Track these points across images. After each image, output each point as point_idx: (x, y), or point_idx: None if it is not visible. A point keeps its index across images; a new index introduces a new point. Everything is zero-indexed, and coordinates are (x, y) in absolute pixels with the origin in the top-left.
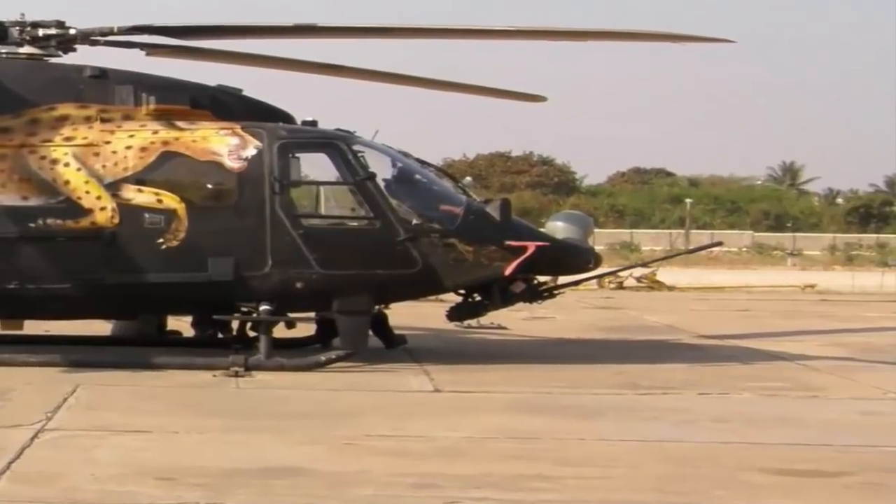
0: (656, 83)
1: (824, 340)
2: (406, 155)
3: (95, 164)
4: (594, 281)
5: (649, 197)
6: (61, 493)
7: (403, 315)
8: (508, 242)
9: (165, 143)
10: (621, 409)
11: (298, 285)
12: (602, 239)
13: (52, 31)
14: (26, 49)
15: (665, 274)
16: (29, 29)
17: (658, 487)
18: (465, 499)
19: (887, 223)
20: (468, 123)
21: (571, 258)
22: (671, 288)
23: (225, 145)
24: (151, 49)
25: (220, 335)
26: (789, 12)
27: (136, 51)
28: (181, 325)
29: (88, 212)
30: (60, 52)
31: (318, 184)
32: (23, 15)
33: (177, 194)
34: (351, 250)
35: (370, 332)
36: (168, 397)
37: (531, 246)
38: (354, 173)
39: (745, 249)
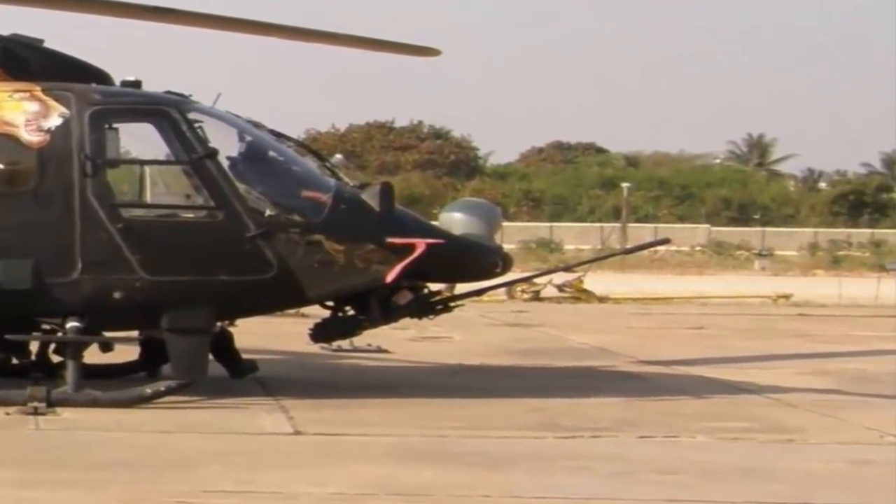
0: (583, 35)
1: (803, 367)
2: (257, 126)
3: None
4: (503, 290)
5: (574, 180)
6: None
7: (254, 334)
8: (390, 240)
9: None
10: (538, 457)
11: (117, 296)
12: (513, 235)
13: None
14: None
15: (595, 281)
16: None
17: None
18: None
19: (885, 214)
20: (338, 85)
21: (473, 260)
22: (603, 299)
23: (20, 112)
24: None
25: (13, 361)
26: None
27: None
28: None
29: None
30: None
31: (143, 163)
32: None
33: None
34: (185, 250)
35: (211, 357)
36: None
37: (420, 244)
38: (190, 149)
39: (699, 249)
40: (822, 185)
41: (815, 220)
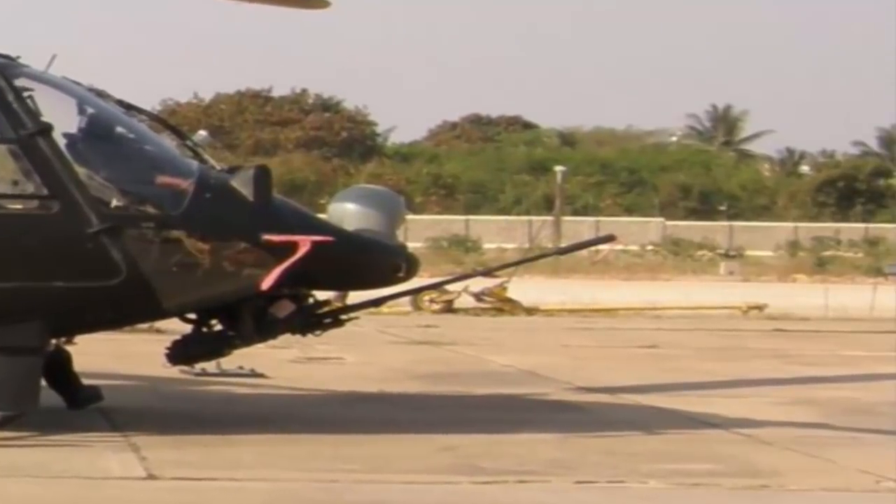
0: None
1: (781, 395)
2: (101, 95)
3: None
4: (407, 299)
5: (496, 163)
6: None
7: (98, 355)
8: (267, 237)
9: None
10: None
11: None
12: (420, 231)
13: None
14: None
15: (522, 288)
16: None
17: None
18: None
19: (882, 205)
20: (202, 46)
21: (369, 262)
22: (531, 310)
23: None
24: None
25: None
26: None
27: None
28: None
29: None
30: None
31: None
32: None
33: None
34: (11, 250)
35: (43, 383)
36: None
37: (304, 242)
38: (17, 124)
39: (651, 248)
40: (805, 168)
41: (796, 212)
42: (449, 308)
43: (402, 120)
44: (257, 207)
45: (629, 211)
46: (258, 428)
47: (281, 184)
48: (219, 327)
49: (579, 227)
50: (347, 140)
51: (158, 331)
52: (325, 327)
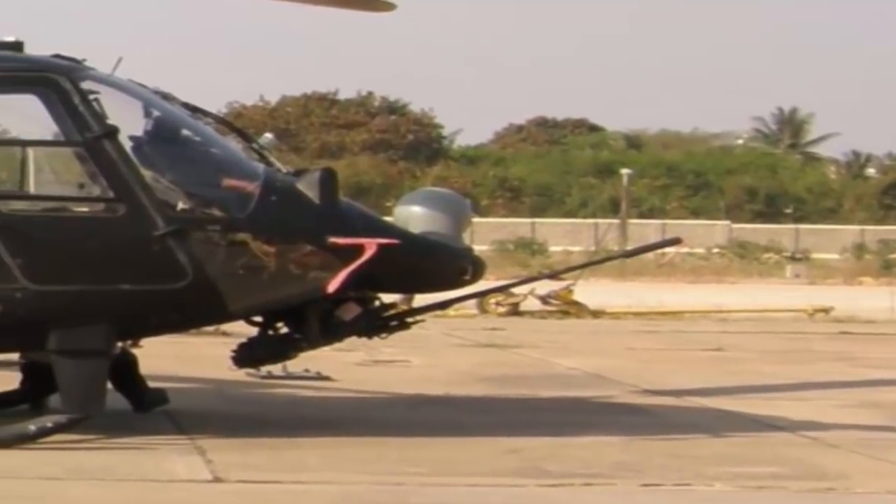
0: None
1: (846, 398)
2: (167, 98)
3: None
4: (473, 302)
5: (562, 166)
6: None
7: (164, 358)
8: (333, 240)
9: None
10: None
11: None
12: (486, 234)
13: None
14: None
15: (588, 291)
16: None
17: None
18: None
19: None
20: (268, 49)
21: (435, 265)
22: (597, 313)
23: None
24: None
25: None
26: None
27: None
28: None
29: None
30: None
31: (26, 144)
32: None
33: None
34: (78, 253)
35: (110, 386)
36: None
37: (370, 245)
38: (84, 127)
39: (717, 251)
40: (871, 171)
41: (862, 215)
42: (515, 311)
43: (469, 123)
44: (323, 210)
45: (695, 214)
46: (324, 431)
47: (347, 186)
48: (285, 330)
49: (645, 229)
50: (413, 143)
51: (224, 333)
52: (391, 330)
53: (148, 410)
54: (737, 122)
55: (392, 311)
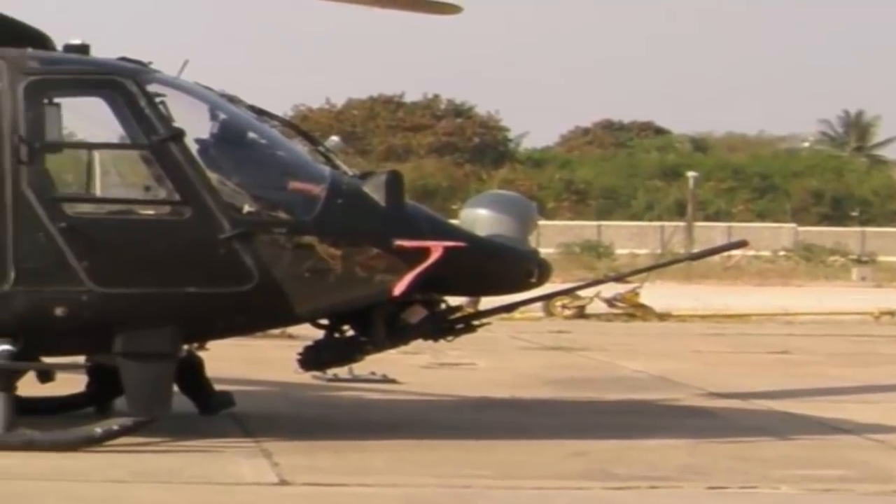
0: None
1: None
2: (233, 101)
3: None
4: (539, 305)
5: (628, 168)
6: None
7: (230, 360)
8: (399, 242)
9: None
10: None
11: (58, 312)
12: (552, 236)
13: None
14: None
15: (654, 294)
16: None
17: None
18: None
19: None
20: (334, 52)
21: (502, 268)
22: (663, 316)
23: None
24: None
25: None
26: None
27: None
28: None
29: None
30: None
31: (92, 147)
32: None
33: None
34: (144, 255)
35: (176, 389)
36: None
37: (436, 248)
38: (150, 130)
39: (783, 253)
40: None
41: None
42: (581, 314)
43: (535, 125)
44: (389, 213)
45: (761, 216)
46: (390, 433)
47: (413, 189)
48: (351, 333)
49: (711, 232)
50: (479, 146)
51: (290, 336)
52: (457, 333)
53: (214, 413)
54: (803, 124)
55: (458, 314)
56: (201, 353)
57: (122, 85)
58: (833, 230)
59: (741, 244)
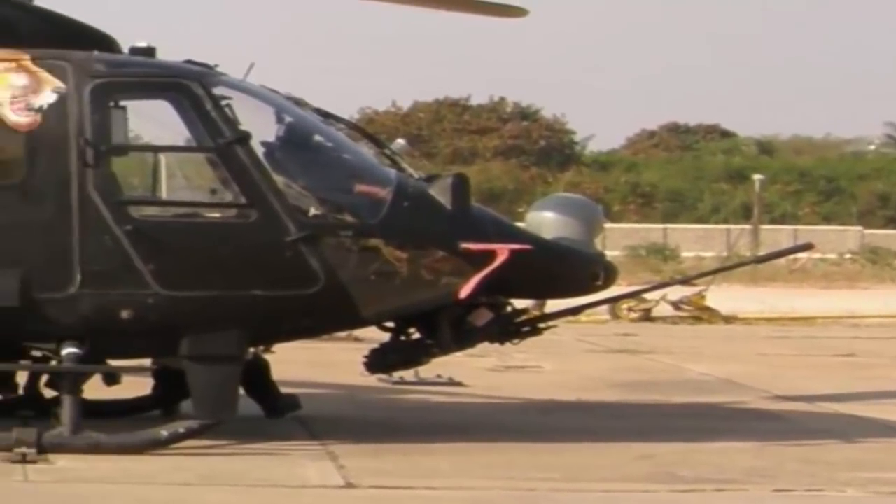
0: None
1: None
2: (299, 104)
3: None
4: (605, 308)
5: (694, 171)
6: None
7: (296, 363)
8: (465, 245)
9: None
10: None
11: (124, 315)
12: (618, 239)
13: None
14: None
15: (720, 297)
16: None
17: None
18: None
19: None
20: (400, 54)
21: (568, 270)
22: (729, 319)
23: (5, 88)
24: None
25: None
26: None
27: None
28: None
29: None
30: None
31: (158, 150)
32: None
33: None
34: (210, 258)
35: (242, 392)
36: None
37: (502, 251)
38: (216, 133)
39: (850, 256)
40: None
41: None
42: (647, 316)
43: (601, 128)
44: (455, 216)
45: (827, 219)
46: (455, 436)
47: (479, 192)
48: (417, 336)
49: (777, 235)
50: (545, 148)
51: (356, 339)
52: (523, 336)
53: (280, 416)
54: (869, 127)
55: (524, 317)
56: (267, 356)
57: (188, 88)
58: None
59: (807, 247)
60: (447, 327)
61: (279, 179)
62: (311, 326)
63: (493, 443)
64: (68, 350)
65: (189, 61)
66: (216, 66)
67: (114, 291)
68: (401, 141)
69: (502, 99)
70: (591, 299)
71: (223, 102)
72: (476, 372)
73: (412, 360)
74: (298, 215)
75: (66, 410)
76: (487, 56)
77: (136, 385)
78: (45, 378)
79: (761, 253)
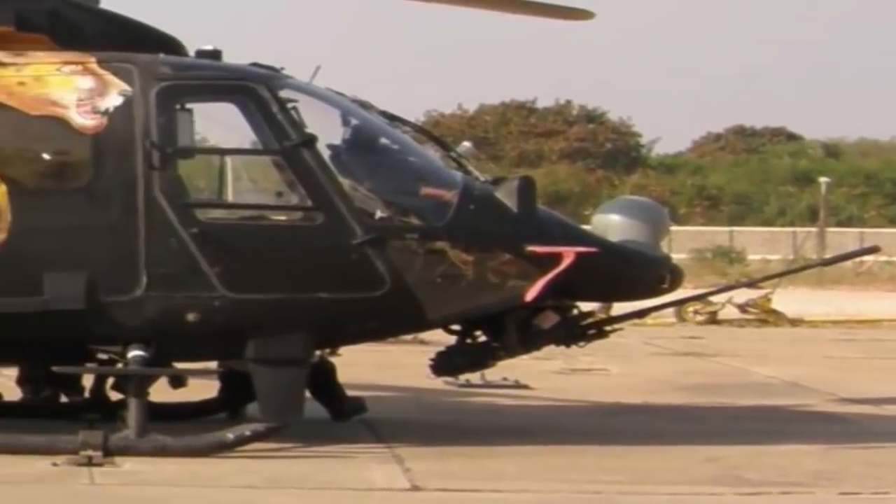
0: None
1: None
2: (365, 106)
3: None
4: (671, 311)
5: (760, 174)
6: None
7: (362, 366)
8: (531, 248)
9: None
10: None
11: (191, 318)
12: (684, 242)
13: None
14: None
15: (786, 299)
16: None
17: None
18: None
19: None
20: (466, 57)
21: (634, 273)
22: (795, 322)
23: (70, 90)
24: None
25: (63, 398)
26: None
27: None
28: (1, 382)
29: None
30: None
31: (224, 152)
32: None
33: None
34: (276, 261)
35: (308, 394)
36: None
37: (568, 254)
38: (282, 136)
39: None
40: None
41: None
42: (713, 319)
43: (667, 131)
44: (521, 219)
45: (893, 222)
46: (522, 439)
47: (545, 195)
48: (483, 338)
49: (843, 238)
50: (612, 151)
51: (422, 342)
52: (590, 338)
53: (346, 419)
54: None
55: (590, 320)
56: (333, 359)
57: (254, 90)
58: None
59: (873, 249)
60: (513, 330)
61: (345, 182)
62: (377, 329)
63: (559, 445)
64: (134, 353)
65: (255, 64)
66: (282, 68)
67: (180, 294)
68: (467, 144)
69: (568, 102)
70: (657, 302)
71: (289, 105)
72: (542, 374)
73: (478, 362)
74: (364, 218)
75: (133, 413)
76: (553, 59)
77: (202, 388)
78: (111, 381)
79: (827, 256)
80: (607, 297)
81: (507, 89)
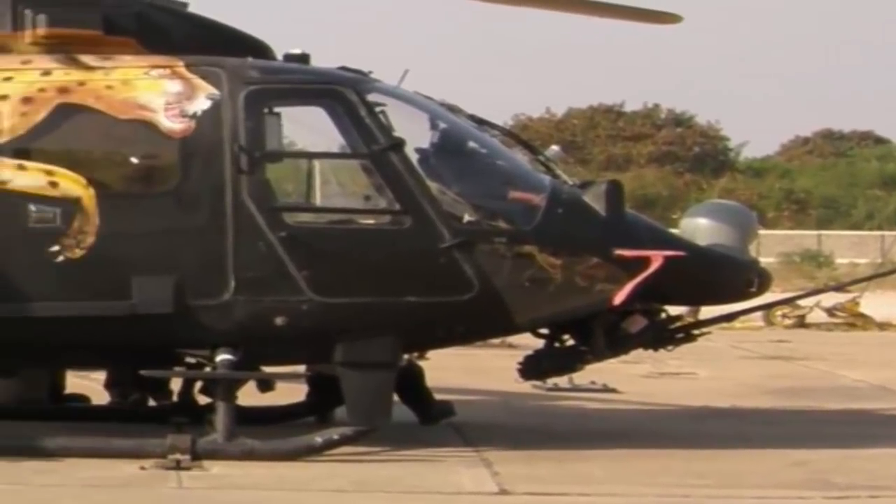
0: None
1: None
2: (453, 110)
3: None
4: (759, 314)
5: (848, 178)
6: None
7: (450, 370)
8: (619, 252)
9: (63, 90)
10: None
11: (279, 321)
12: (772, 245)
13: None
14: None
15: (874, 303)
16: None
17: None
18: None
19: None
20: (554, 61)
21: (722, 277)
22: (884, 325)
23: (158, 94)
24: None
25: (151, 402)
26: None
27: None
28: (89, 386)
29: None
30: None
31: (312, 156)
32: None
33: (81, 174)
34: (364, 265)
35: (396, 398)
36: None
37: (656, 257)
38: (370, 139)
39: None
40: None
41: None
42: (801, 323)
43: (755, 135)
44: (610, 222)
45: None
46: (609, 443)
47: (633, 199)
48: (571, 342)
49: None
50: (700, 155)
51: (510, 346)
52: (677, 342)
53: (434, 423)
54: None
55: (678, 324)
56: (421, 363)
57: (342, 94)
58: None
59: None
60: (601, 334)
61: (433, 186)
62: (465, 333)
63: (647, 449)
64: (222, 356)
65: (343, 68)
66: (370, 72)
67: (268, 298)
68: (555, 147)
69: (656, 105)
70: (745, 306)
71: (377, 109)
72: (630, 378)
73: (566, 366)
74: (453, 222)
75: (221, 417)
76: (641, 62)
77: (290, 391)
78: (199, 384)
79: None
80: (695, 301)
81: (595, 93)
